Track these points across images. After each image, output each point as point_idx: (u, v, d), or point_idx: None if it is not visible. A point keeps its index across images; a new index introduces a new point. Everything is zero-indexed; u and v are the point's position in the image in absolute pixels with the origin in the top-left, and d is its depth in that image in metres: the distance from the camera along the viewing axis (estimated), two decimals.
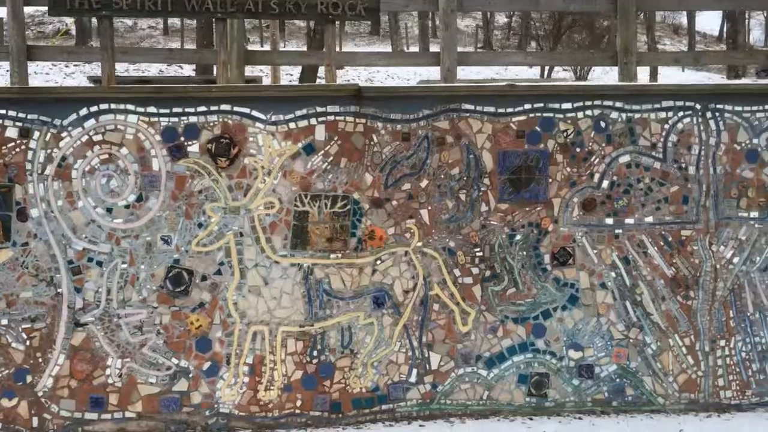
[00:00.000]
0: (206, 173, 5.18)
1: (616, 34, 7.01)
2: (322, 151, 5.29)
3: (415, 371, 5.43)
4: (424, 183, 5.41)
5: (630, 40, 7.15)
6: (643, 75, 20.42)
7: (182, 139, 5.17)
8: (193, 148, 5.18)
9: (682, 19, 35.14)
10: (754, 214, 5.65)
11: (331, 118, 5.29)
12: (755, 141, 5.64)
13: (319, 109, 5.28)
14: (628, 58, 7.19)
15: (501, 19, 31.78)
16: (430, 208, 5.42)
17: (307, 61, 5.93)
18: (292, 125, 5.26)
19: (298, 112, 5.26)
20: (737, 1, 8.05)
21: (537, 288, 5.52)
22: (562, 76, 21.37)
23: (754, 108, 5.63)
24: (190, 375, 5.22)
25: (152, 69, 17.96)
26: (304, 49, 19.88)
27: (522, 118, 5.49)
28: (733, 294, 5.65)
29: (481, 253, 5.48)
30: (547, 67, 18.41)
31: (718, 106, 5.61)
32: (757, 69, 9.02)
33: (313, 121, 5.28)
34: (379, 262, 5.38)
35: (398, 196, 5.39)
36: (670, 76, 22.40)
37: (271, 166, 5.25)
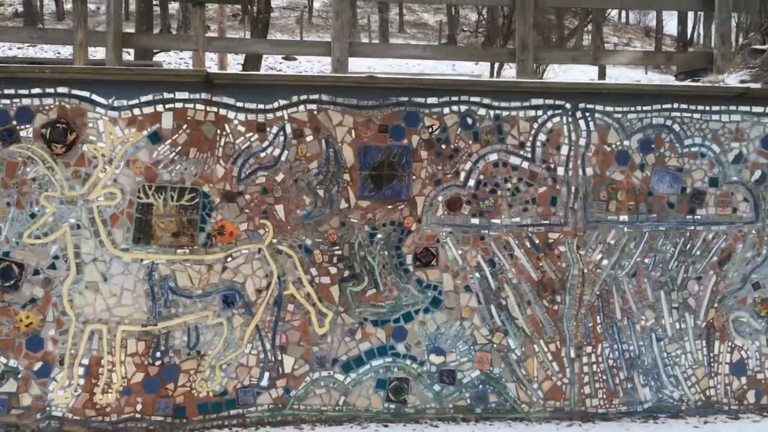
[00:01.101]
0: (40, 160, 4.74)
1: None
2: (170, 140, 4.89)
3: (266, 375, 5.04)
4: (279, 177, 5.04)
5: (527, 37, 6.91)
6: (592, 74, 20.24)
7: (14, 122, 4.73)
8: (26, 132, 4.74)
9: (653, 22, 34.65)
10: (623, 217, 5.40)
11: (180, 105, 4.89)
12: (626, 143, 5.40)
13: (166, 95, 4.88)
14: (524, 54, 6.95)
15: (473, 16, 31.20)
16: (286, 203, 5.05)
17: (180, 46, 5.57)
18: (136, 111, 4.85)
19: (144, 98, 4.85)
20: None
21: (398, 289, 5.19)
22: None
23: (626, 109, 5.39)
24: (20, 375, 4.76)
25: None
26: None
27: (385, 111, 5.16)
28: (601, 299, 5.40)
29: (339, 252, 5.12)
30: (497, 64, 17.78)
31: (588, 105, 5.36)
32: (675, 72, 8.82)
33: (159, 107, 4.87)
34: (229, 259, 4.98)
35: (252, 190, 5.01)
36: (630, 77, 22.23)
37: (113, 155, 4.83)
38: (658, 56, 7.42)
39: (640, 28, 36.99)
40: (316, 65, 21.22)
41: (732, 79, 5.89)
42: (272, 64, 20.69)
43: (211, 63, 16.77)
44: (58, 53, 17.54)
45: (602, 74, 20.01)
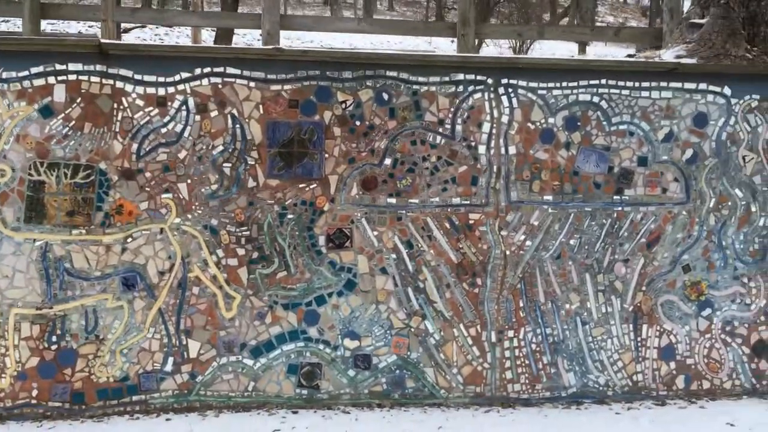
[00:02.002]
0: None
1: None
2: (62, 115, 4.55)
3: (171, 360, 4.75)
4: (182, 154, 4.72)
5: (468, 11, 6.55)
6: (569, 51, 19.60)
7: None
8: None
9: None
10: (547, 198, 5.11)
11: (73, 77, 4.55)
12: (551, 120, 5.09)
13: (59, 67, 4.54)
14: (465, 29, 6.60)
15: None
16: (189, 181, 4.73)
17: (98, 18, 5.23)
18: (26, 83, 4.51)
19: (34, 69, 4.51)
20: None
21: (310, 272, 4.89)
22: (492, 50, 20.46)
23: (551, 85, 5.07)
24: None
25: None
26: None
27: (295, 86, 4.83)
28: (524, 282, 5.11)
29: (248, 233, 4.82)
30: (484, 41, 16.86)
31: (511, 81, 5.04)
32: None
33: (51, 79, 4.53)
34: (129, 239, 4.67)
35: (152, 168, 4.69)
36: (615, 54, 21.58)
37: (1, 130, 4.50)
38: (606, 32, 7.06)
39: (637, 8, 36.35)
40: (296, 43, 20.65)
41: (668, 55, 5.57)
42: (250, 41, 20.12)
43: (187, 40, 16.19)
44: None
45: (582, 51, 19.46)
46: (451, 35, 6.70)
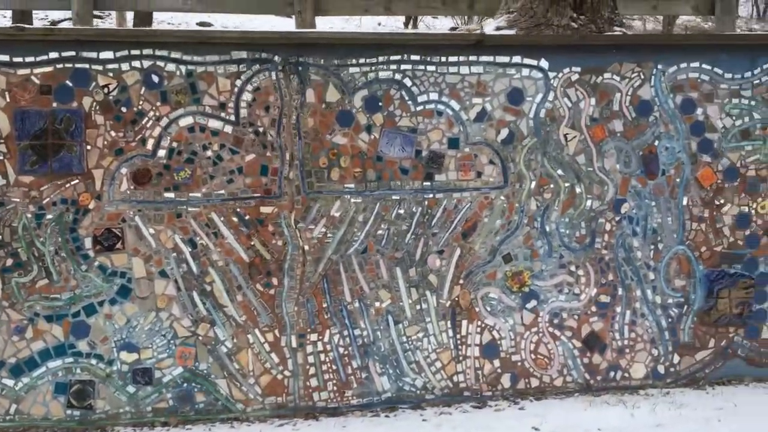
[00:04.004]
0: None
1: None
2: None
3: None
4: None
5: None
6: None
7: None
8: None
9: None
10: (349, 186, 4.47)
11: None
12: (348, 101, 4.45)
13: None
14: (302, 5, 5.93)
15: None
16: None
17: None
18: None
19: None
20: None
21: (77, 278, 4.19)
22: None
23: (346, 62, 4.42)
24: None
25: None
26: None
27: (47, 69, 4.10)
28: (327, 280, 4.48)
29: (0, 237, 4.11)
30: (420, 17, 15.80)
31: (302, 59, 4.38)
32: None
33: None
34: None
35: None
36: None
37: None
38: (459, 6, 6.42)
39: None
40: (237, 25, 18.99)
41: (491, 26, 4.96)
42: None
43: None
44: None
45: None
46: (287, 12, 6.02)
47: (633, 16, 11.58)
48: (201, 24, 11.60)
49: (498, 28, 4.82)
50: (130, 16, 10.13)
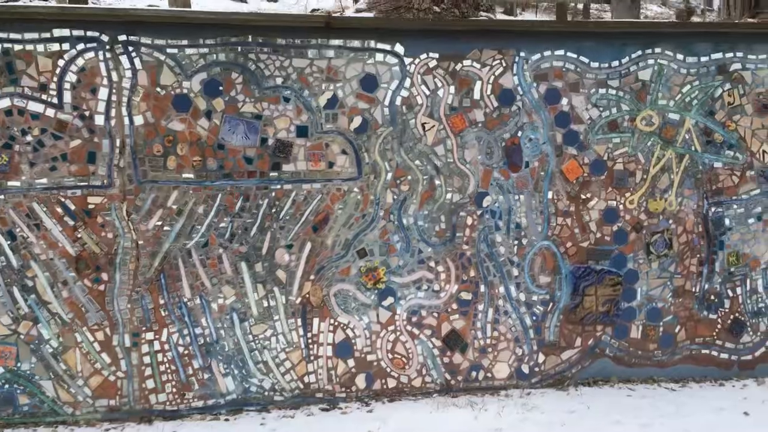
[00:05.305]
0: None
1: None
2: None
3: None
4: None
5: None
6: None
7: None
8: None
9: None
10: (188, 175, 4.11)
11: None
12: (186, 84, 4.07)
13: None
14: None
15: None
16: None
17: None
18: None
19: None
20: None
21: None
22: None
23: (183, 42, 4.04)
24: None
25: None
26: None
27: None
28: (165, 275, 4.12)
29: None
30: None
31: (133, 38, 3.99)
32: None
33: None
34: None
35: None
36: None
37: None
38: None
39: None
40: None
41: (352, 9, 4.62)
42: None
43: None
44: None
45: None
46: None
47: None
48: None
49: (358, 11, 4.48)
50: None
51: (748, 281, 4.77)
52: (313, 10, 5.49)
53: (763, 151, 4.71)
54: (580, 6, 12.12)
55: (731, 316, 4.77)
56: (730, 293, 4.75)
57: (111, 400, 4.08)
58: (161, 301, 4.10)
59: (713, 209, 4.68)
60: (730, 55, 4.63)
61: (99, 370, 4.05)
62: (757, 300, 4.78)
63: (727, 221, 4.70)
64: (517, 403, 4.16)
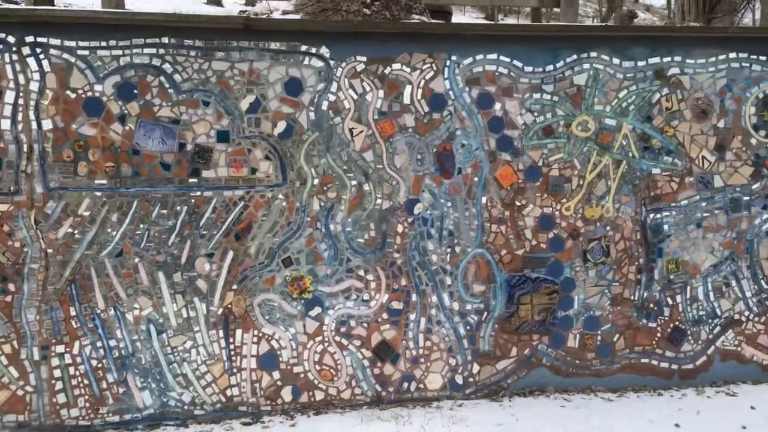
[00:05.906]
0: None
1: None
2: None
3: None
4: None
5: None
6: None
7: None
8: None
9: None
10: (100, 182, 3.90)
11: None
12: (98, 87, 3.87)
13: None
14: None
15: None
16: None
17: None
18: None
19: None
20: None
21: None
22: None
23: (95, 44, 3.84)
24: None
25: None
26: None
27: None
28: (76, 286, 3.91)
29: None
30: None
31: (40, 39, 3.78)
32: None
33: None
34: None
35: None
36: None
37: None
38: None
39: None
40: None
41: (279, 12, 4.44)
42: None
43: None
44: None
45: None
46: None
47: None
48: None
49: (285, 12, 4.30)
50: None
51: (688, 289, 4.64)
52: (241, 12, 5.30)
53: (703, 157, 4.59)
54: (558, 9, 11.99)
55: (671, 325, 4.64)
56: (670, 301, 4.62)
57: (20, 416, 3.87)
58: (72, 313, 3.90)
59: (651, 216, 4.55)
60: (668, 59, 4.50)
61: (6, 385, 3.84)
62: (698, 308, 4.65)
63: (665, 228, 4.57)
64: (445, 415, 4.00)
